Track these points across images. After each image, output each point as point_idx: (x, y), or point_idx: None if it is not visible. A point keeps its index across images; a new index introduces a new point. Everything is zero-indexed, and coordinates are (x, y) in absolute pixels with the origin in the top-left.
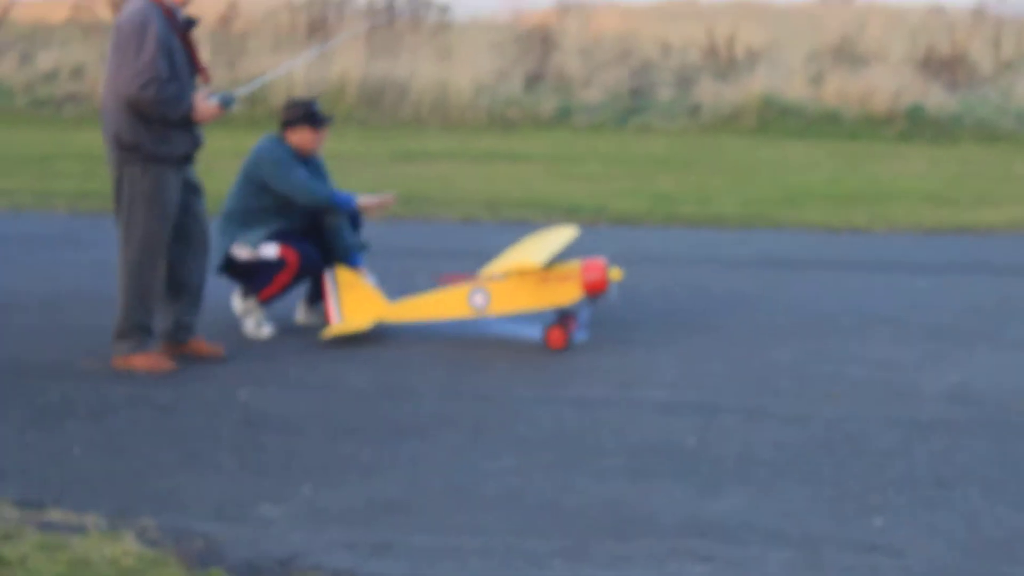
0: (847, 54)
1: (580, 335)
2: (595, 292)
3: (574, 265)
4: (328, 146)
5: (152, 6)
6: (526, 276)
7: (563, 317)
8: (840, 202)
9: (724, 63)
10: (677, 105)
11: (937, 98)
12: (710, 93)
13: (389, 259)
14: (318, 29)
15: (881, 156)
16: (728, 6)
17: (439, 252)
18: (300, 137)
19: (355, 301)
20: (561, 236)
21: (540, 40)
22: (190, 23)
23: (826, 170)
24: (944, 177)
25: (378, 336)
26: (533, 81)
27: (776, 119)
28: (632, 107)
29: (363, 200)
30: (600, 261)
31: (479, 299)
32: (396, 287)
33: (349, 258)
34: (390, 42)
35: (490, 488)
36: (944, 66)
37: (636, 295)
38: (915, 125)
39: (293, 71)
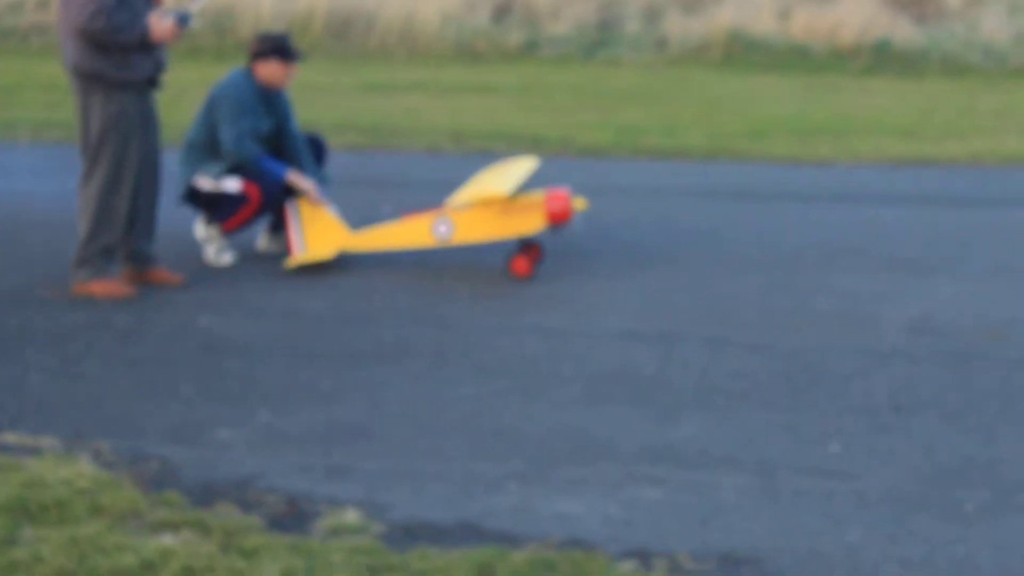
0: None
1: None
2: (558, 221)
3: (537, 195)
4: (295, 77)
5: None
6: (489, 205)
7: (526, 246)
8: (806, 135)
9: None
10: (644, 38)
11: (904, 32)
12: (678, 26)
13: (352, 189)
14: None
15: (847, 90)
16: None
17: (402, 183)
18: (270, 70)
19: (317, 231)
20: (522, 166)
21: None
22: None
23: (792, 103)
24: (910, 111)
25: (339, 264)
26: (501, 13)
27: (743, 53)
28: (599, 40)
29: (293, 177)
30: (563, 191)
31: (442, 228)
32: (359, 217)
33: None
34: None
35: (448, 414)
36: (912, 0)
37: (599, 226)
38: (882, 59)
39: None
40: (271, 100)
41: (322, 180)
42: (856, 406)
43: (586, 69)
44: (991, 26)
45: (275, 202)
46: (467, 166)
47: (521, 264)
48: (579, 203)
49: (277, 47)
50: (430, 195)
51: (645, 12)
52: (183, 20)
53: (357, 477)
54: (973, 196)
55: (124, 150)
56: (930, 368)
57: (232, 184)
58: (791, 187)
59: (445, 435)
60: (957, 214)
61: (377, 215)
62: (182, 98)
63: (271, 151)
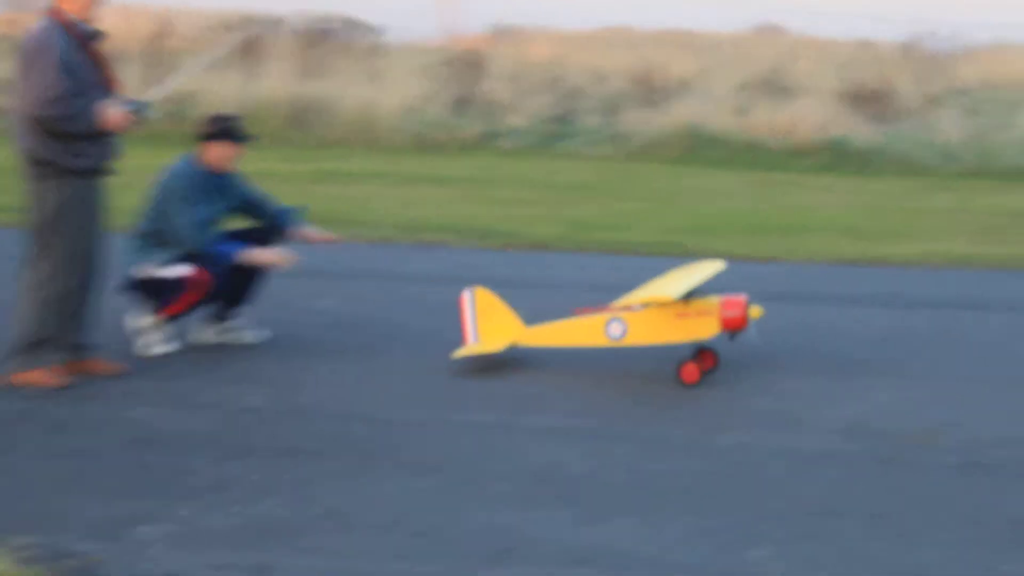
0: (774, 85)
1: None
2: (734, 328)
3: (714, 300)
4: (251, 165)
5: (53, 23)
6: (664, 308)
7: (700, 352)
8: (756, 232)
9: (652, 91)
10: (602, 132)
11: (861, 131)
12: (636, 121)
13: (295, 279)
14: (252, 47)
15: (801, 187)
16: (659, 35)
17: (349, 275)
18: (219, 152)
19: (492, 323)
20: (705, 269)
21: (470, 64)
22: (95, 35)
23: (745, 200)
24: (862, 210)
25: (277, 355)
26: (461, 105)
27: (700, 148)
28: (557, 133)
29: (246, 256)
30: (740, 298)
31: (616, 329)
32: (299, 311)
33: (284, 220)
34: (321, 63)
35: (375, 513)
36: (870, 99)
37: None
38: (838, 157)
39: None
40: (222, 182)
41: (294, 211)
42: (783, 509)
43: (542, 161)
44: (946, 127)
45: (223, 286)
46: (416, 256)
47: (691, 371)
48: (755, 311)
49: (226, 129)
50: (373, 285)
51: (604, 106)
52: (139, 109)
53: None
54: (920, 297)
55: (74, 238)
56: (859, 473)
57: (177, 270)
58: (737, 285)
59: (369, 534)
60: (903, 316)
61: (318, 307)
62: (134, 184)
63: (245, 223)
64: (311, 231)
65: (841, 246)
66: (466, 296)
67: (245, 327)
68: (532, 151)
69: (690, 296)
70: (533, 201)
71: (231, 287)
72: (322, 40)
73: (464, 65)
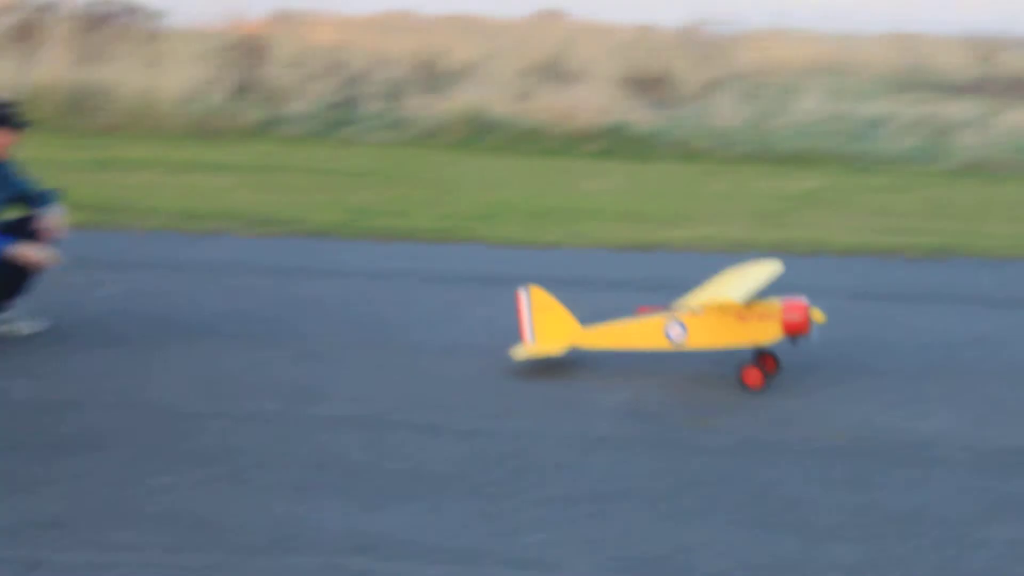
0: (555, 71)
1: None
2: (795, 333)
3: (775, 304)
4: (27, 152)
5: None
6: (725, 312)
7: (761, 356)
8: (537, 217)
9: (434, 77)
10: (385, 117)
11: (640, 116)
12: (419, 106)
13: (74, 269)
14: (27, 31)
15: (582, 173)
16: (443, 21)
17: (126, 263)
18: None
19: (548, 324)
20: (764, 271)
21: (252, 50)
22: None
23: (528, 185)
24: (643, 195)
25: (53, 346)
26: (241, 91)
27: (483, 134)
28: (339, 119)
29: (14, 251)
30: (801, 301)
31: (676, 332)
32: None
33: (41, 202)
34: (100, 48)
35: (152, 504)
36: (649, 85)
37: (319, 306)
38: (618, 142)
39: None
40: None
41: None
42: (562, 494)
43: (324, 148)
44: (724, 112)
45: None
46: (193, 246)
47: (754, 376)
48: (817, 315)
49: (2, 116)
50: (154, 274)
51: (387, 92)
52: None
53: (51, 570)
54: (695, 281)
55: None
56: (638, 455)
57: None
58: (517, 271)
59: (146, 526)
60: (666, 300)
61: (96, 297)
62: None
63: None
64: (50, 220)
65: (621, 231)
66: (522, 295)
67: (20, 318)
68: (315, 137)
69: (751, 299)
70: (315, 188)
71: (4, 280)
72: (101, 24)
73: (246, 50)
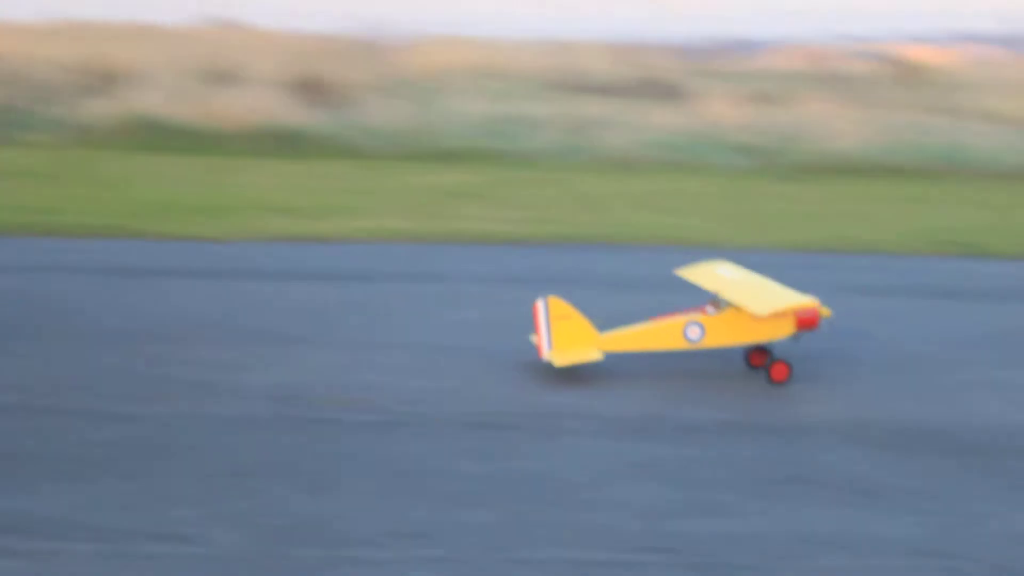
0: (224, 75)
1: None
2: (807, 328)
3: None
4: None
5: None
6: (742, 311)
7: (766, 351)
8: (198, 213)
9: (104, 81)
10: (52, 120)
11: (306, 117)
12: (87, 110)
13: None
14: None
15: (249, 171)
16: (111, 26)
17: None
18: None
19: (566, 332)
20: (798, 297)
21: None
22: None
23: (194, 184)
24: (306, 191)
25: None
26: None
27: (151, 135)
28: (6, 121)
29: None
30: (812, 299)
31: (694, 332)
32: None
33: None
34: None
35: None
36: (315, 88)
37: None
38: (284, 142)
39: None
40: None
41: None
42: (207, 471)
43: None
44: (386, 113)
45: None
46: None
47: (782, 370)
48: (825, 311)
49: None
50: None
51: (53, 95)
52: None
53: None
54: (352, 271)
55: None
56: (282, 434)
57: None
58: (167, 264)
59: None
60: (320, 289)
61: None
62: None
63: None
64: None
65: (278, 224)
66: (540, 304)
67: None
68: None
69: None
70: None
71: None
72: None
73: None
